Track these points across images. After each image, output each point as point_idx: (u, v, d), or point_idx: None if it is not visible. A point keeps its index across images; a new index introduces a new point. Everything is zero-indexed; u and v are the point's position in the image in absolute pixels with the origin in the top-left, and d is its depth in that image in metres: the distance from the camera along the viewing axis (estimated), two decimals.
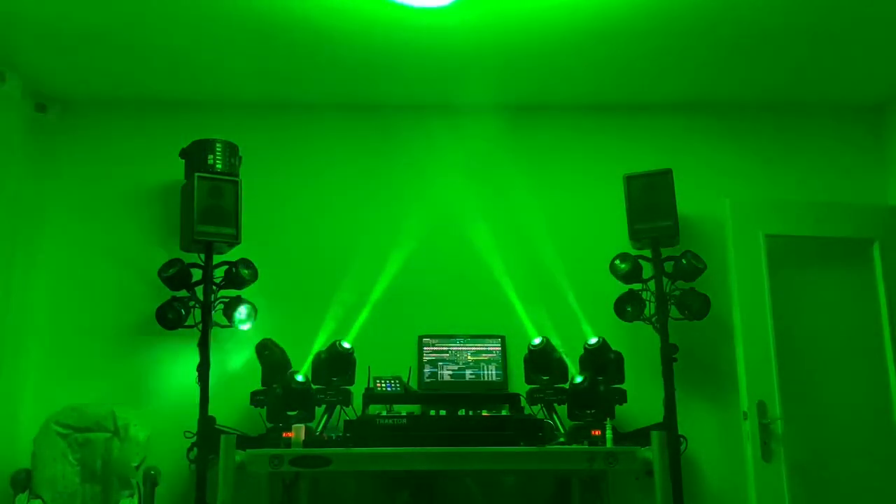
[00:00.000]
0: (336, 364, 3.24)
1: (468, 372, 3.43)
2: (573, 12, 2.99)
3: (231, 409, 3.35)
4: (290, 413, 3.10)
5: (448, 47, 3.25)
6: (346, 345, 3.24)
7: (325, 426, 3.20)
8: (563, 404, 3.27)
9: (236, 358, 3.48)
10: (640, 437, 3.11)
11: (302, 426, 2.99)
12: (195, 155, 3.32)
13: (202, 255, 3.28)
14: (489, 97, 3.70)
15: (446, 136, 3.82)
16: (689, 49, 3.31)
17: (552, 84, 3.66)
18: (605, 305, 3.36)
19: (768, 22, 3.08)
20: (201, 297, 3.23)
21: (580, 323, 3.48)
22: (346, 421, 3.16)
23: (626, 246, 3.41)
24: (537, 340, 3.30)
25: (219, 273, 3.28)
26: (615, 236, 3.49)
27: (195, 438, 3.12)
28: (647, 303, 3.33)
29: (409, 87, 3.69)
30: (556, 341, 3.36)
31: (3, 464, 3.24)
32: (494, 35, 3.16)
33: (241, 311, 3.25)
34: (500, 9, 2.97)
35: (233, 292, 3.29)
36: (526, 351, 3.34)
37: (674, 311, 3.31)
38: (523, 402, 3.27)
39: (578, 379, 3.18)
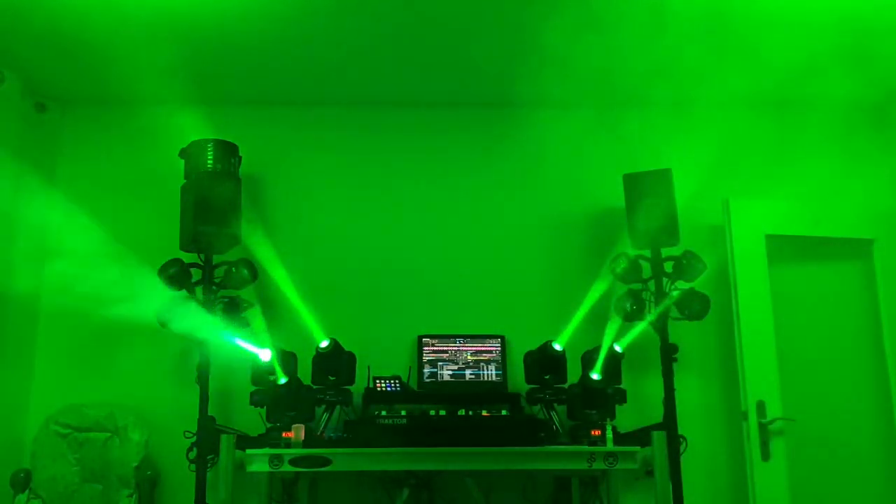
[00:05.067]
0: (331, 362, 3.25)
1: (468, 372, 3.43)
2: None
3: (231, 409, 3.34)
4: (289, 413, 3.10)
5: None
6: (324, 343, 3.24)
7: (325, 426, 3.20)
8: (563, 404, 3.27)
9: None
10: (640, 437, 3.11)
11: (302, 426, 2.98)
12: (195, 155, 3.31)
13: (202, 255, 3.28)
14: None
15: (444, 133, 3.85)
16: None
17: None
18: (605, 305, 3.37)
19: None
20: (201, 297, 3.23)
21: (580, 323, 3.48)
22: (346, 421, 3.16)
23: (624, 245, 3.41)
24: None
25: (219, 273, 3.29)
26: (613, 235, 3.49)
27: (195, 438, 3.12)
28: (647, 303, 3.33)
29: (414, 83, 3.68)
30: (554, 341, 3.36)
31: (3, 464, 3.24)
32: None
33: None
34: None
35: (232, 292, 3.29)
36: (525, 351, 3.34)
37: (674, 311, 3.31)
38: (523, 402, 3.27)
39: (596, 376, 3.18)
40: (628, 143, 3.80)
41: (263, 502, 3.08)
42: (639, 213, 3.34)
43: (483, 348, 3.46)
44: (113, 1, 2.91)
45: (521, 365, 3.36)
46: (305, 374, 3.24)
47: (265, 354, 3.18)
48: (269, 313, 3.41)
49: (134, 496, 3.19)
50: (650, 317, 3.30)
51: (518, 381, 3.40)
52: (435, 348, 3.44)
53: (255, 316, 3.30)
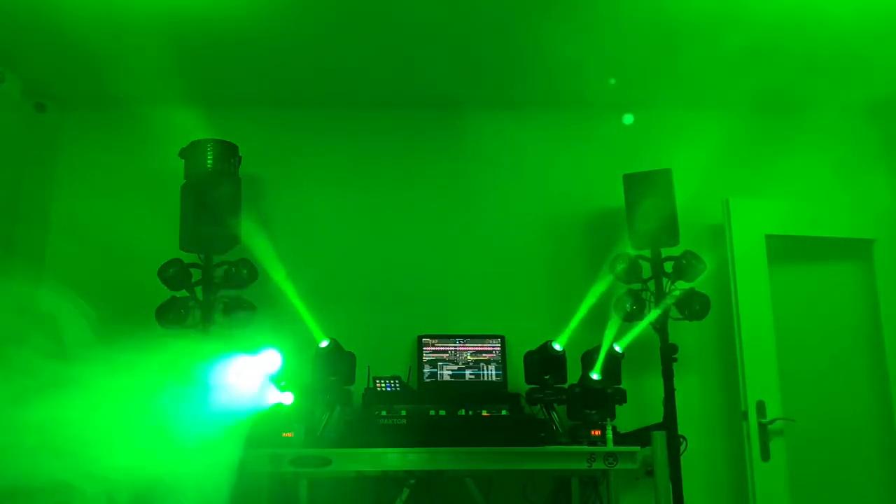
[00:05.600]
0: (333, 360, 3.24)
1: (468, 372, 3.43)
2: None
3: None
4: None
5: None
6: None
7: (325, 426, 3.20)
8: (563, 404, 3.27)
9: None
10: (640, 437, 3.10)
11: (302, 426, 2.98)
12: (195, 155, 3.31)
13: (202, 255, 3.28)
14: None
15: (444, 134, 3.85)
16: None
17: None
18: (605, 305, 3.37)
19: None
20: (201, 297, 3.23)
21: (580, 323, 3.48)
22: (345, 421, 3.16)
23: (624, 245, 3.41)
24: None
25: (219, 273, 3.28)
26: (613, 236, 3.49)
27: None
28: (647, 303, 3.33)
29: (415, 84, 3.68)
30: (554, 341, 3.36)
31: None
32: None
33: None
34: None
35: (232, 292, 3.29)
36: (525, 351, 3.34)
37: (674, 312, 3.31)
38: (523, 402, 3.27)
39: (596, 376, 3.18)
40: (628, 143, 3.81)
41: (263, 502, 3.07)
42: (639, 213, 3.34)
43: (483, 348, 3.45)
44: (113, 1, 2.91)
45: (521, 365, 3.36)
46: (305, 374, 3.24)
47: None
48: (269, 313, 3.41)
49: None
50: (650, 317, 3.30)
51: (518, 381, 3.40)
52: (435, 348, 3.44)
53: (256, 317, 3.29)
